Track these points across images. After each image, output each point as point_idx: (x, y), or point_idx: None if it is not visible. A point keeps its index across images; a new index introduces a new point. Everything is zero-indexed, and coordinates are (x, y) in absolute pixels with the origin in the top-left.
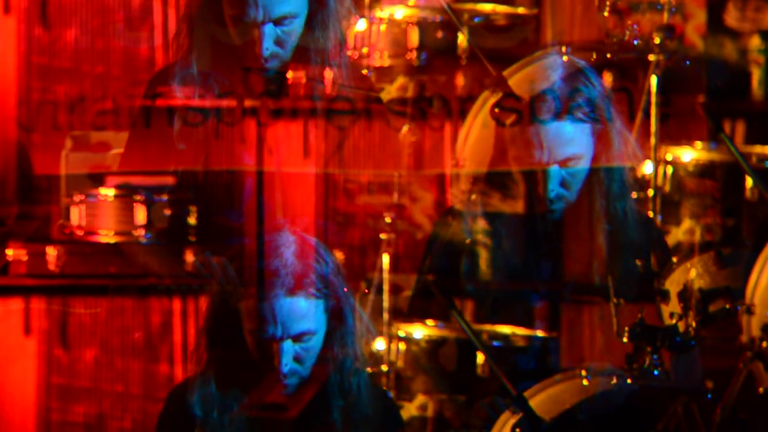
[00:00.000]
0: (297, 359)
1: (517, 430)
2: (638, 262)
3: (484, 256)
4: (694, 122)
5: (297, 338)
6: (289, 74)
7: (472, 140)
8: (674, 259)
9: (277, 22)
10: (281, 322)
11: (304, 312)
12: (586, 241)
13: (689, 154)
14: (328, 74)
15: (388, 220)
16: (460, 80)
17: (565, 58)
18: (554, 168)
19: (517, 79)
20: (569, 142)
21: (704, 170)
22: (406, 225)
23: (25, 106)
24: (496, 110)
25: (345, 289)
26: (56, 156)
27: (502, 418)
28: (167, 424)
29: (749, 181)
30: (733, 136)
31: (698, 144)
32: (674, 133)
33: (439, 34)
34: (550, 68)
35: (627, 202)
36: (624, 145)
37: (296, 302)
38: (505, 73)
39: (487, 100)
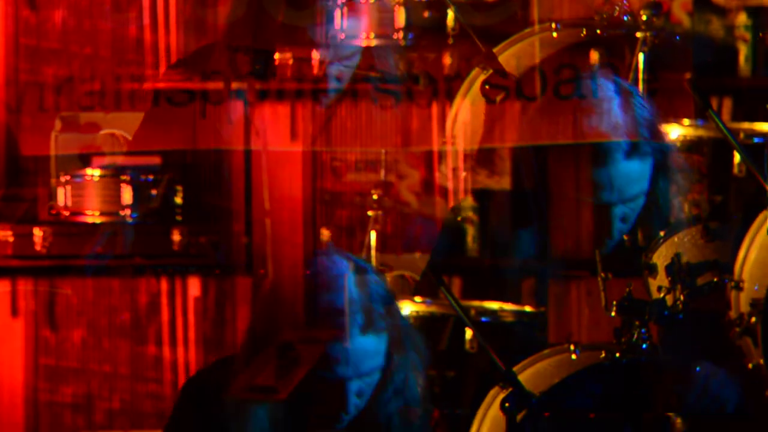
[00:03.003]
0: (359, 395)
1: (506, 404)
2: (625, 237)
3: (471, 233)
4: (680, 99)
5: (365, 375)
6: (276, 55)
7: (461, 118)
8: (661, 233)
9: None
10: (353, 363)
11: (374, 349)
12: (573, 217)
13: (677, 130)
14: (315, 55)
15: (375, 197)
16: (447, 59)
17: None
18: (619, 207)
19: (507, 56)
20: (636, 181)
21: (691, 147)
22: (392, 202)
23: (13, 87)
24: (486, 87)
25: (400, 311)
26: (44, 137)
27: (491, 392)
28: (184, 418)
29: (737, 157)
30: (720, 112)
31: (686, 121)
32: (661, 109)
33: (426, 14)
34: (603, 99)
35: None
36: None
37: (367, 340)
38: (495, 50)
39: (477, 77)
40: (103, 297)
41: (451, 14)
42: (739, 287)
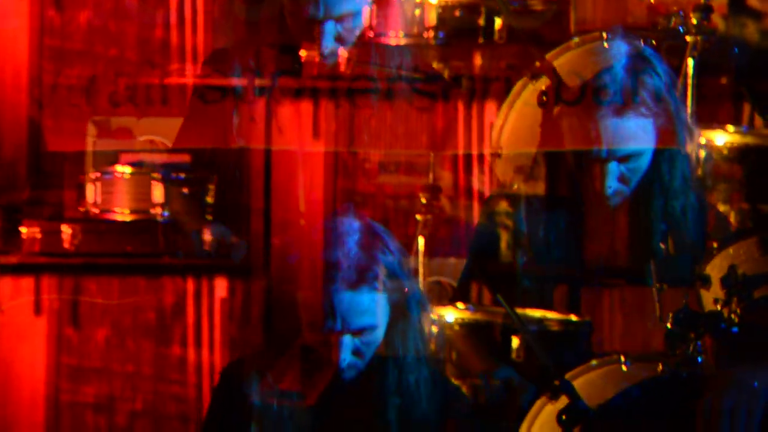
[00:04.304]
0: (356, 353)
1: (563, 416)
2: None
3: (506, 239)
4: (721, 105)
5: (357, 333)
6: (302, 52)
7: (509, 127)
8: (715, 244)
9: (339, 19)
10: (341, 317)
11: (365, 307)
12: (610, 224)
13: (722, 137)
14: (344, 52)
15: (423, 200)
16: (478, 60)
17: (627, 41)
18: (613, 164)
19: (564, 63)
20: (630, 139)
21: (737, 154)
22: (438, 207)
23: (38, 88)
24: (543, 98)
25: (411, 281)
26: (69, 138)
27: (538, 403)
28: (221, 402)
29: None
30: (753, 117)
31: (730, 127)
32: (703, 115)
33: (457, 12)
34: (611, 53)
35: (688, 198)
36: (688, 137)
37: (358, 296)
38: (548, 56)
39: (526, 85)
40: (128, 296)
41: (498, 20)
42: None
